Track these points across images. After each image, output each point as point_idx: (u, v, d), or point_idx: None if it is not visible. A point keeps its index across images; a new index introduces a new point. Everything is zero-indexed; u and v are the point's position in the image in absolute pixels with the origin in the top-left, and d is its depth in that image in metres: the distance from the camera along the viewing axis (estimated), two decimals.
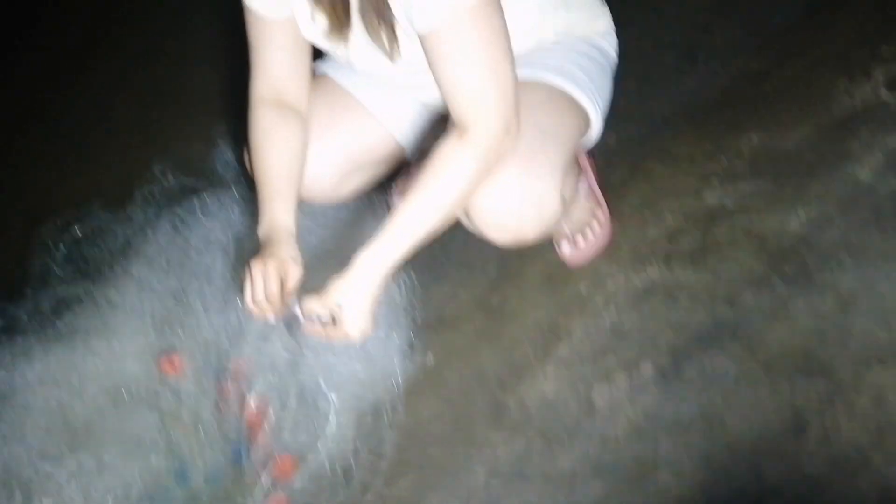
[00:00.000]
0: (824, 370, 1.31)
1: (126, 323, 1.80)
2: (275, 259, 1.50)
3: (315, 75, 1.71)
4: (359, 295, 1.42)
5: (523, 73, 1.46)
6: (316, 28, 1.53)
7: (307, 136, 1.65)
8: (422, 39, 1.35)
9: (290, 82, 1.62)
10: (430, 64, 1.36)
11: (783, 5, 1.96)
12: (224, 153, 2.29)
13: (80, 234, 2.14)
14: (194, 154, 2.39)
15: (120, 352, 1.75)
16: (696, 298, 1.49)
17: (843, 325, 1.35)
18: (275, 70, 1.60)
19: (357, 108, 1.74)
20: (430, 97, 1.67)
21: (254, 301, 1.51)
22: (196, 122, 2.57)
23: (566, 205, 1.51)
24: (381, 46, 1.44)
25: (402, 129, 1.77)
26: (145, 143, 2.57)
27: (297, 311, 1.48)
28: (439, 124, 1.72)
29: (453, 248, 1.70)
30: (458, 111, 1.36)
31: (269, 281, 1.49)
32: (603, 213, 1.72)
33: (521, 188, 1.41)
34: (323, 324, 1.45)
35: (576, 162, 1.59)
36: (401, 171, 1.98)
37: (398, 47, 1.44)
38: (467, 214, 1.46)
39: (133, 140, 2.63)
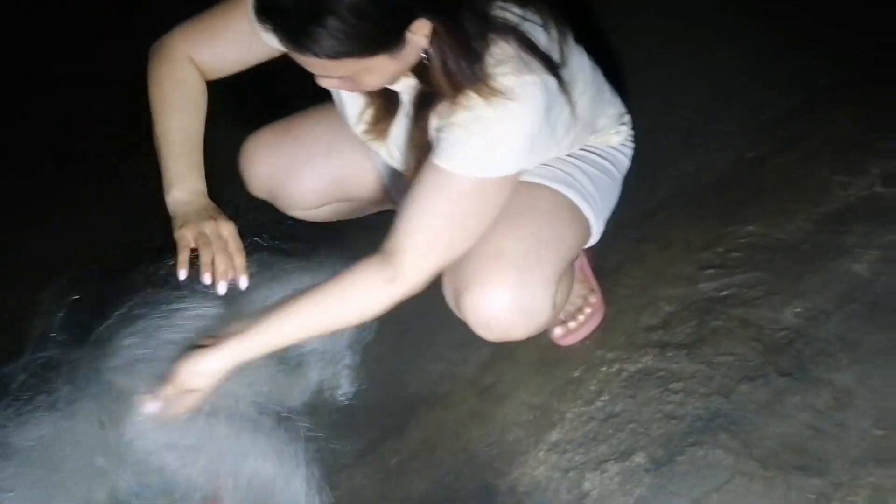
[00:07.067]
0: (820, 468, 1.31)
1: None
2: (217, 221, 1.43)
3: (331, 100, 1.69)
4: (212, 380, 1.34)
5: (535, 178, 1.47)
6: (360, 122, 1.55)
7: None
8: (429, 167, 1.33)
9: (215, 69, 1.55)
10: (416, 184, 1.34)
11: (781, 94, 1.97)
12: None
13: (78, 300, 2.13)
14: None
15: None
16: (690, 389, 1.49)
17: (840, 421, 1.35)
18: (213, 57, 1.52)
19: (358, 146, 1.71)
20: None
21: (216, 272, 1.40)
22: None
23: (558, 309, 1.51)
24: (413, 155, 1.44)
25: (393, 179, 1.77)
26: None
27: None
28: None
29: (448, 327, 1.69)
30: (404, 237, 1.32)
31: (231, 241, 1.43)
32: (595, 297, 1.72)
33: (513, 299, 1.38)
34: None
35: (571, 265, 1.58)
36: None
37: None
38: (456, 306, 1.44)
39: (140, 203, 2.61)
